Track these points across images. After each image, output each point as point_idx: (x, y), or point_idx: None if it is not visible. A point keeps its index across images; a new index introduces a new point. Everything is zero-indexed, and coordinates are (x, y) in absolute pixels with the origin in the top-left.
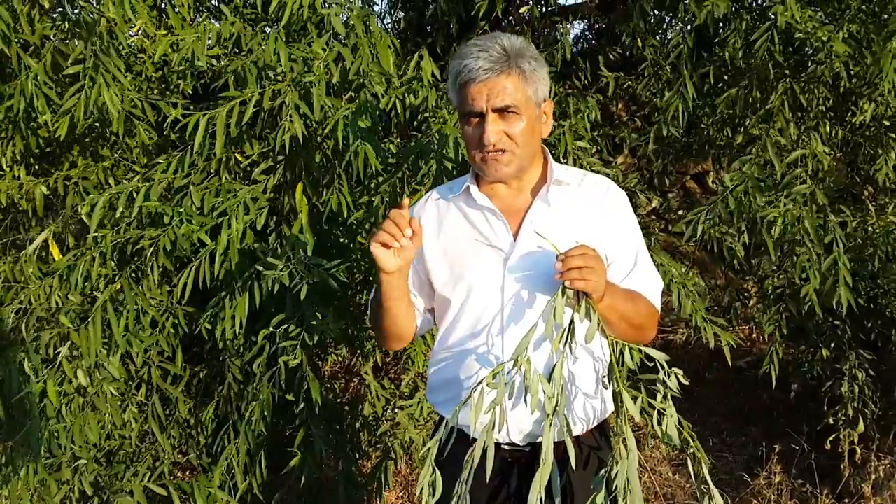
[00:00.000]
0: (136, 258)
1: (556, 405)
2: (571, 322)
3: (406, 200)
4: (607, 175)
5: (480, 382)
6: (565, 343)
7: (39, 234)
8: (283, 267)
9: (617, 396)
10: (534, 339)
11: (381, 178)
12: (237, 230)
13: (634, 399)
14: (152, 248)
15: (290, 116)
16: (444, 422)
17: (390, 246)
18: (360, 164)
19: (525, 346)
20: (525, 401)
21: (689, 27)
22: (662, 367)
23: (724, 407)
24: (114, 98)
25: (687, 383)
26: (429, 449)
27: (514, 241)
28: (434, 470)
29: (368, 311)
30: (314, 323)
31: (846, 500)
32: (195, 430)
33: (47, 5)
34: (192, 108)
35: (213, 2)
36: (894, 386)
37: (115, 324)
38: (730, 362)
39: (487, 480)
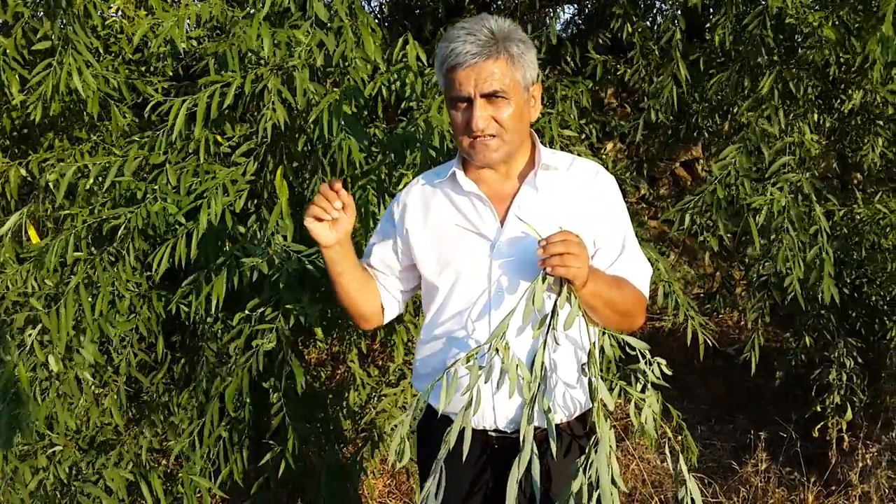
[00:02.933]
0: (111, 239)
1: (535, 391)
2: (554, 309)
3: (338, 181)
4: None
5: (453, 364)
6: (547, 330)
7: (15, 217)
8: (261, 253)
9: (591, 383)
10: (515, 324)
11: (365, 168)
12: (216, 212)
13: (611, 388)
14: (125, 227)
15: (273, 103)
16: (418, 398)
17: (322, 219)
18: (343, 159)
19: (502, 330)
20: (497, 384)
21: (678, 11)
22: (643, 357)
23: (711, 394)
24: (88, 79)
25: (670, 373)
26: (401, 420)
27: (501, 227)
28: (403, 439)
29: None
30: (289, 307)
31: (833, 488)
32: (176, 416)
33: None
34: (172, 89)
35: None
36: (882, 374)
37: (87, 307)
38: (701, 358)
39: (469, 464)
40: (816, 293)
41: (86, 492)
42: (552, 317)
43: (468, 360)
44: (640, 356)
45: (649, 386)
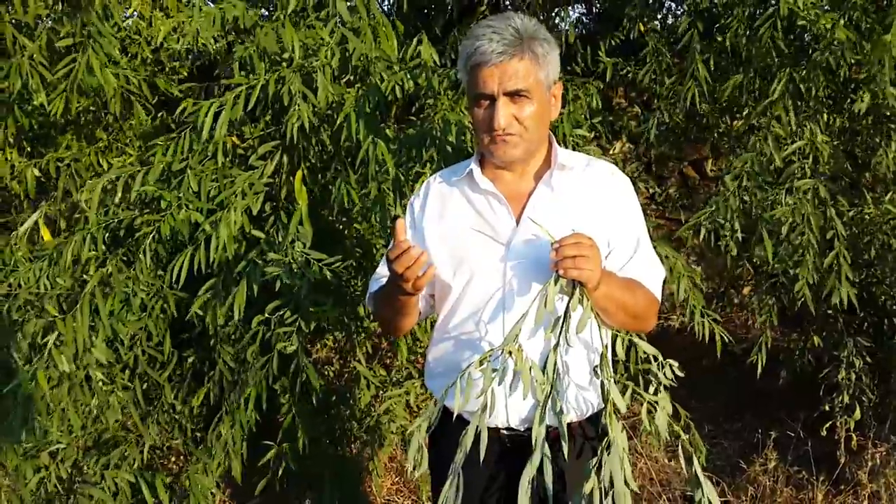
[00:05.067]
0: (128, 241)
1: (548, 393)
2: (567, 311)
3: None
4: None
5: (468, 367)
6: (560, 332)
7: (30, 216)
8: (282, 262)
9: (604, 386)
10: (527, 326)
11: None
12: (236, 221)
13: (623, 390)
14: (152, 235)
15: (298, 104)
16: (434, 401)
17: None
18: (371, 164)
19: (515, 334)
20: (510, 386)
21: (692, 14)
22: (655, 360)
23: (719, 393)
24: (109, 77)
25: (682, 375)
26: (418, 426)
27: (517, 226)
28: (420, 446)
29: (371, 302)
30: (312, 310)
31: (842, 487)
32: (182, 415)
33: None
34: (192, 90)
35: None
36: (891, 374)
37: (102, 309)
38: (719, 356)
39: (481, 463)
40: (832, 297)
41: (87, 493)
42: (564, 319)
43: (481, 364)
44: (651, 360)
45: (661, 389)
